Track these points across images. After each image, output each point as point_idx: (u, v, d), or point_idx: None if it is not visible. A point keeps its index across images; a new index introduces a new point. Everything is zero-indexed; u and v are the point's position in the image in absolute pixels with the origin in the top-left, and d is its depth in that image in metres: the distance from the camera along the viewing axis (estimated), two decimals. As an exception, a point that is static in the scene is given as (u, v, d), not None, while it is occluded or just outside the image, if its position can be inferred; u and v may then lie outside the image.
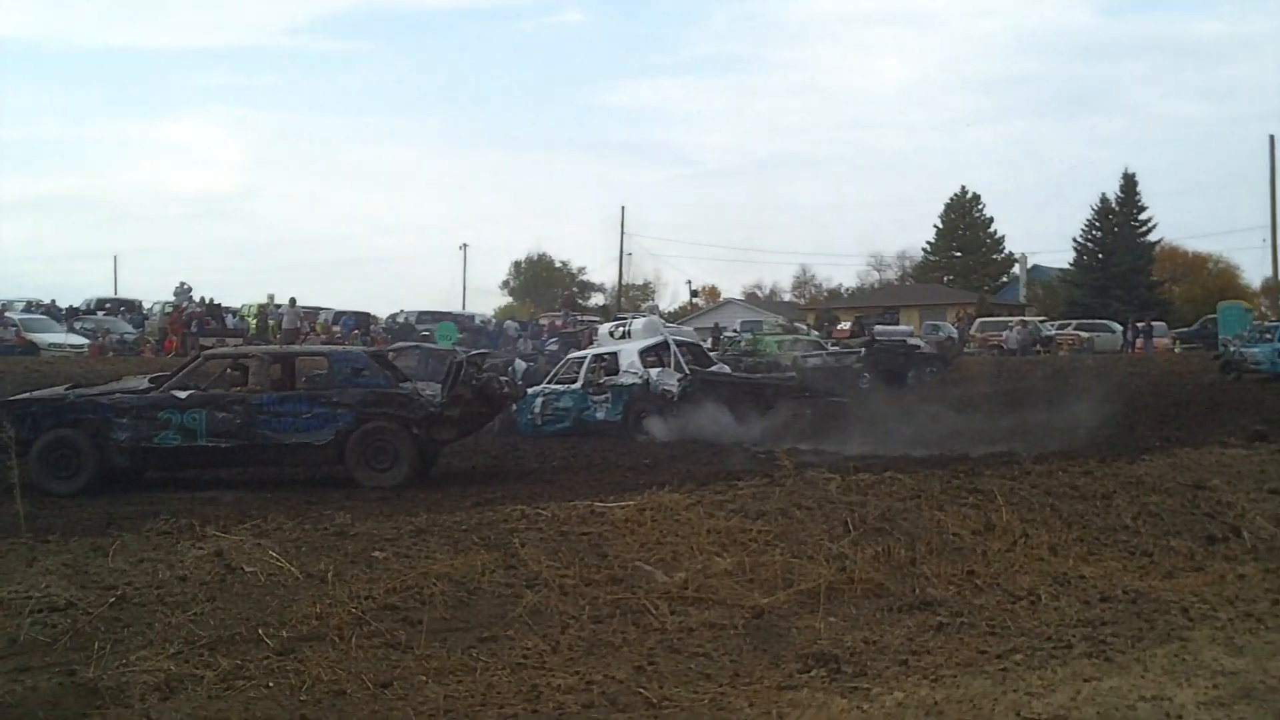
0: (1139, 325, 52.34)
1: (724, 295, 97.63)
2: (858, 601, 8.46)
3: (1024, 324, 53.94)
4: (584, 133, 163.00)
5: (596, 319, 48.55)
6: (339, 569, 8.73)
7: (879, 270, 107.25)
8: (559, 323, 55.14)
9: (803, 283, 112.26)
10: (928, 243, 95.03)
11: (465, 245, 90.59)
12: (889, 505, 10.51)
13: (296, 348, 23.64)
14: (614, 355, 22.77)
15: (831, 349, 38.70)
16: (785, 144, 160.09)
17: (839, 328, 52.68)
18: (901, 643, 7.63)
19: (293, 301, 46.09)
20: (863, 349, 38.70)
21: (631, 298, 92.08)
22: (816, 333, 49.31)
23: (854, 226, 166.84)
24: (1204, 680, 6.77)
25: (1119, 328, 54.63)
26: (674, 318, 69.78)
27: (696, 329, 47.87)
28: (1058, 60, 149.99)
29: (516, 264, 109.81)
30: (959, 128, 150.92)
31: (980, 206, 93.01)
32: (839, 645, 7.51)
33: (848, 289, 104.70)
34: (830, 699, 6.52)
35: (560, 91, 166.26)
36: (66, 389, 16.62)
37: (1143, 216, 76.91)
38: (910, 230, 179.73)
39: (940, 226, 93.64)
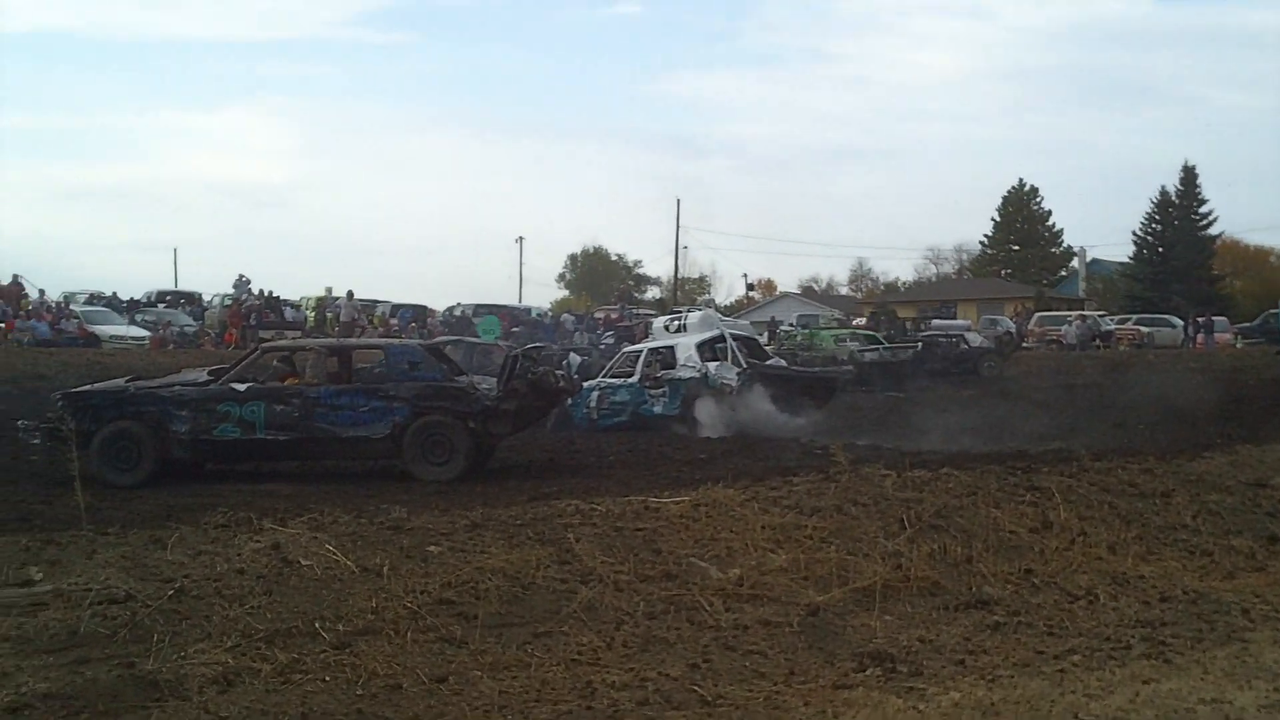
0: (1199, 320, 51.87)
1: (780, 289, 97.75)
2: (913, 600, 8.42)
3: (1083, 318, 53.47)
4: (641, 124, 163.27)
5: (652, 312, 48.50)
6: (394, 563, 8.74)
7: (936, 264, 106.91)
8: (614, 316, 55.20)
9: (859, 276, 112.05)
10: (985, 236, 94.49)
11: (521, 238, 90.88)
12: (945, 502, 10.44)
13: (353, 341, 23.77)
14: (671, 349, 22.70)
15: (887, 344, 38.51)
16: (842, 136, 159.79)
17: (855, 321, 52.35)
18: (957, 642, 7.59)
19: (350, 295, 46.31)
20: (920, 344, 38.62)
21: (687, 291, 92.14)
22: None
23: (911, 220, 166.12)
24: (1265, 683, 6.69)
25: (1179, 323, 54.08)
26: (730, 311, 69.75)
27: (752, 323, 47.85)
28: (1116, 50, 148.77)
29: (572, 257, 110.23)
30: (1016, 119, 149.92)
31: (1038, 199, 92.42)
32: (894, 644, 7.48)
33: (904, 283, 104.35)
34: (885, 698, 6.48)
35: (617, 83, 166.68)
36: (127, 381, 16.78)
37: (1203, 210, 76.34)
38: (967, 223, 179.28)
39: (998, 219, 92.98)
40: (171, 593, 7.99)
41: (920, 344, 39.43)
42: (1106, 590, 8.73)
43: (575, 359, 29.35)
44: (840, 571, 8.75)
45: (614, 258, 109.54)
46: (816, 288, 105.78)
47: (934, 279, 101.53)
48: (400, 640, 7.28)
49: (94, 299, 48.73)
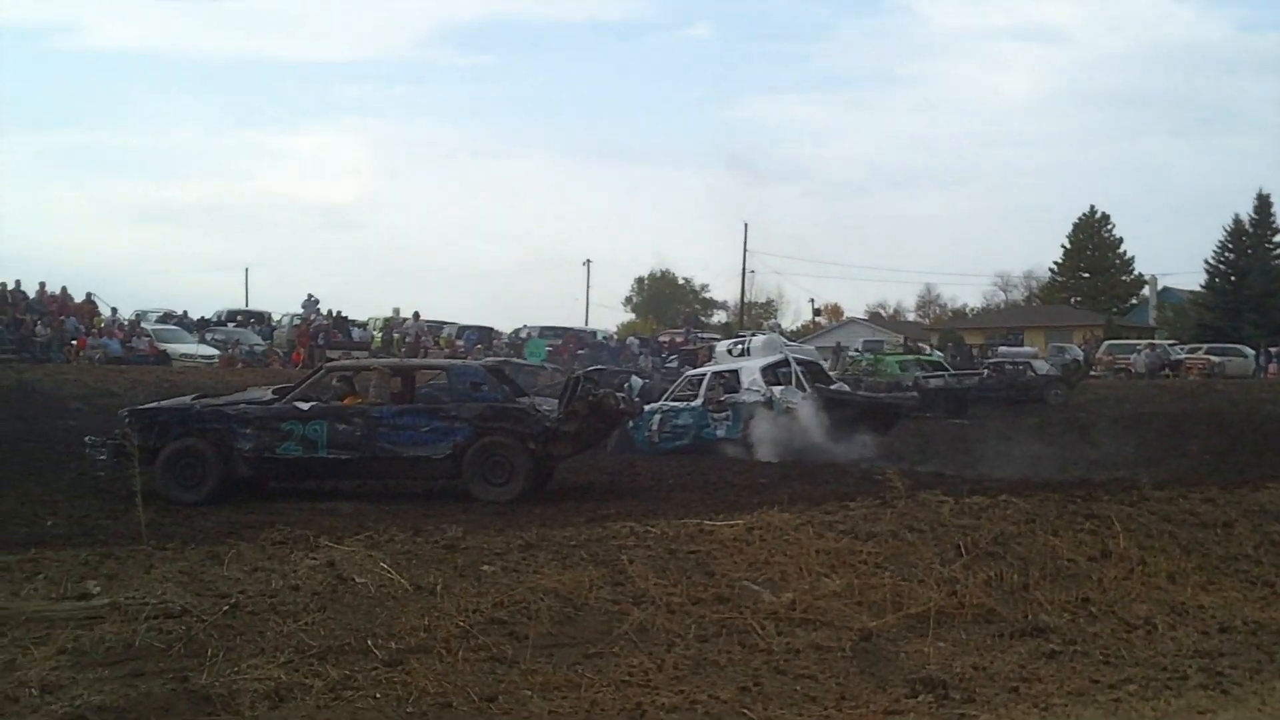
0: (1272, 350, 51.23)
1: (847, 314, 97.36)
2: (968, 626, 8.36)
3: (1152, 347, 53.01)
4: (711, 148, 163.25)
5: (718, 336, 48.50)
6: (448, 582, 8.77)
7: (1005, 290, 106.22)
8: (679, 340, 55.22)
9: (927, 302, 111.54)
10: (1055, 263, 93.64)
11: (589, 261, 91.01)
12: (1002, 529, 10.36)
13: (416, 361, 23.92)
14: (735, 373, 22.67)
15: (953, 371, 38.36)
16: (911, 160, 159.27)
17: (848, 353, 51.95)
18: (1012, 669, 7.54)
19: (416, 315, 46.62)
20: (985, 371, 38.44)
21: (754, 315, 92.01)
22: (939, 353, 48.90)
23: (980, 245, 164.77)
24: (1324, 716, 6.60)
25: (1251, 352, 53.35)
26: (796, 336, 69.62)
27: (818, 348, 47.68)
28: (1191, 76, 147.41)
29: (639, 280, 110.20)
30: (1088, 145, 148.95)
31: (1109, 226, 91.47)
32: (947, 670, 7.42)
33: (973, 309, 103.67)
34: (937, 725, 6.45)
35: (687, 106, 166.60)
36: (193, 399, 16.98)
37: (1277, 239, 75.24)
38: (1037, 250, 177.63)
39: (1068, 246, 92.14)
40: (227, 608, 8.06)
41: (986, 371, 39.24)
42: (1165, 620, 8.65)
43: (637, 382, 29.41)
44: (894, 597, 8.70)
45: (681, 281, 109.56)
46: (884, 313, 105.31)
47: (1002, 305, 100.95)
48: (451, 659, 7.30)
49: (165, 317, 49.23)
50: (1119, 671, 7.51)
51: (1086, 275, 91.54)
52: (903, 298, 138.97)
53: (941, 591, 8.81)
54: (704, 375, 23.35)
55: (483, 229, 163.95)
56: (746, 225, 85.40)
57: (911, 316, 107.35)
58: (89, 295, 45.43)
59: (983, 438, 21.95)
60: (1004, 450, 20.80)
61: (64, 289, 44.54)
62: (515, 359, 32.48)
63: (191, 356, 40.66)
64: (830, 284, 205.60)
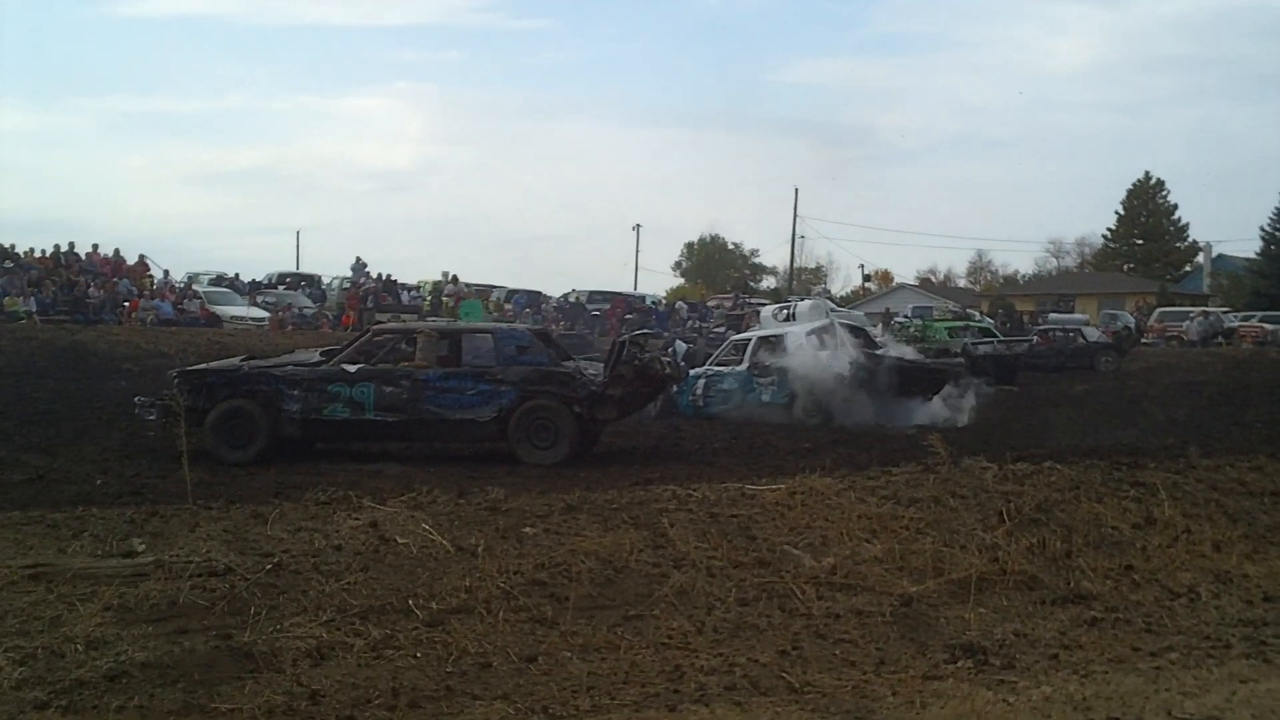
0: (1327, 319, 50.64)
1: (897, 280, 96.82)
2: (1009, 593, 8.32)
3: (1205, 315, 52.48)
4: (760, 112, 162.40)
5: (766, 301, 48.35)
6: (489, 543, 8.82)
7: (1057, 257, 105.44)
8: (729, 305, 55.11)
9: (978, 268, 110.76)
10: (1108, 229, 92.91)
11: (639, 225, 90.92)
12: (1046, 496, 10.28)
13: (462, 324, 23.95)
14: (781, 337, 22.60)
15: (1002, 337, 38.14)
16: (964, 125, 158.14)
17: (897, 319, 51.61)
18: (1052, 636, 7.50)
19: (455, 279, 46.82)
20: (1035, 338, 38.20)
21: (803, 281, 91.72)
22: (990, 320, 48.61)
23: (1032, 211, 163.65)
24: (1368, 686, 6.55)
25: (1306, 321, 52.77)
26: (846, 302, 69.51)
27: (867, 313, 47.55)
28: (1248, 41, 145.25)
29: (689, 245, 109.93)
30: (1144, 110, 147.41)
31: (1164, 193, 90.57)
32: (988, 637, 7.40)
33: (1024, 275, 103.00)
34: (975, 691, 6.43)
35: (738, 70, 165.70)
36: (241, 360, 17.08)
37: (1336, 206, 74.20)
38: (1090, 216, 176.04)
39: (1122, 213, 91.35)
40: (270, 567, 8.14)
41: (1036, 338, 39.00)
42: (1209, 588, 8.57)
43: (681, 346, 29.38)
44: (936, 563, 8.67)
45: (731, 246, 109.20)
46: (934, 279, 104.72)
47: (1054, 272, 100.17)
48: (492, 619, 7.34)
49: (217, 280, 49.50)
50: (1161, 639, 7.46)
51: (1140, 242, 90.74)
52: (953, 264, 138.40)
53: (983, 558, 8.76)
54: (749, 340, 23.28)
55: (534, 193, 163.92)
56: (797, 190, 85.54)
57: (962, 283, 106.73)
58: (141, 257, 45.76)
59: (1031, 405, 21.83)
60: (1051, 417, 20.69)
61: (117, 251, 44.95)
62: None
63: (242, 319, 40.85)
64: (880, 250, 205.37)
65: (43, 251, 42.72)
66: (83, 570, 8.07)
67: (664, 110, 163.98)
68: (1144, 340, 47.91)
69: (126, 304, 39.90)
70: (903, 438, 17.34)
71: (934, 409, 20.55)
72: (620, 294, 56.90)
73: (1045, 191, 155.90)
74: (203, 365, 17.24)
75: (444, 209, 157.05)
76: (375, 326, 17.43)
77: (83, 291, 39.61)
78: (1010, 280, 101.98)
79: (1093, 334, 40.48)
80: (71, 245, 43.18)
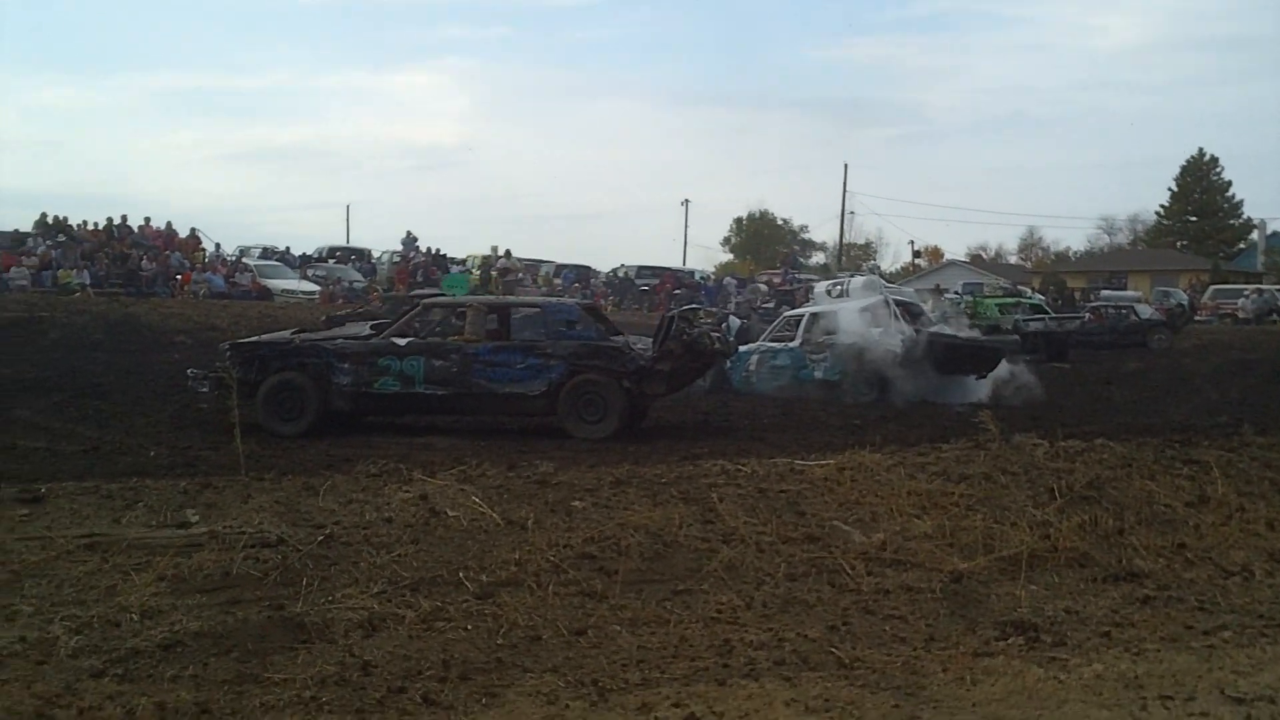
0: (1383, 296, 50.07)
1: (947, 256, 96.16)
2: (1060, 570, 8.27)
3: (1259, 292, 51.98)
4: (810, 89, 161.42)
5: (815, 278, 48.15)
6: (539, 517, 8.85)
7: (1109, 234, 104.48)
8: (777, 281, 54.95)
9: (1029, 245, 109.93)
10: (1161, 206, 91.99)
11: (687, 201, 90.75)
12: (1098, 473, 10.23)
13: (512, 298, 24.02)
14: (833, 314, 22.52)
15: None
16: (1014, 102, 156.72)
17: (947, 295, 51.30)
18: (1104, 614, 7.45)
19: (508, 253, 46.90)
20: (1087, 315, 37.92)
21: (853, 257, 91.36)
22: (1041, 297, 48.27)
23: (1084, 188, 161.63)
24: None
25: (1361, 297, 52.18)
26: (895, 278, 69.10)
27: (917, 290, 47.26)
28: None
29: (738, 221, 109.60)
30: (1199, 88, 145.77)
31: (1218, 170, 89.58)
32: (1039, 614, 7.36)
33: (1076, 252, 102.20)
34: (1026, 668, 6.40)
35: (787, 47, 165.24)
36: (292, 333, 17.16)
37: (1392, 182, 73.33)
38: (1143, 193, 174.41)
39: (1175, 190, 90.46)
40: (321, 539, 8.19)
41: (1087, 315, 38.72)
42: (1263, 567, 8.49)
43: (734, 322, 29.30)
44: (986, 539, 8.63)
45: (780, 222, 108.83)
46: (985, 256, 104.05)
47: (1106, 249, 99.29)
48: (541, 592, 7.36)
49: (267, 253, 49.77)
50: (1214, 618, 7.40)
51: (1193, 219, 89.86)
52: (1004, 240, 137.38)
53: (1034, 535, 8.71)
54: (802, 316, 23.21)
55: (583, 170, 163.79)
56: (846, 166, 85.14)
57: (1013, 259, 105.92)
58: (193, 231, 46.09)
59: (1082, 382, 21.68)
60: (1103, 394, 20.56)
61: (169, 224, 45.33)
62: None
63: (293, 292, 41.08)
64: (931, 226, 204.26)
65: (96, 225, 43.07)
66: (137, 540, 8.15)
67: (712, 87, 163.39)
68: (1197, 318, 47.52)
69: (179, 277, 40.21)
70: (953, 414, 17.29)
71: (986, 386, 20.45)
72: (668, 269, 56.83)
73: (1097, 168, 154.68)
74: (254, 338, 17.33)
75: (492, 185, 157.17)
76: (425, 300, 17.44)
77: (135, 264, 39.91)
78: (1062, 257, 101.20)
79: (1145, 311, 40.19)
80: (124, 219, 43.58)
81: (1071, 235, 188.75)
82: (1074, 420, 15.70)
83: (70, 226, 42.53)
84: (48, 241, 40.02)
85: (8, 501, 9.29)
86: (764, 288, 53.47)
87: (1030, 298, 44.45)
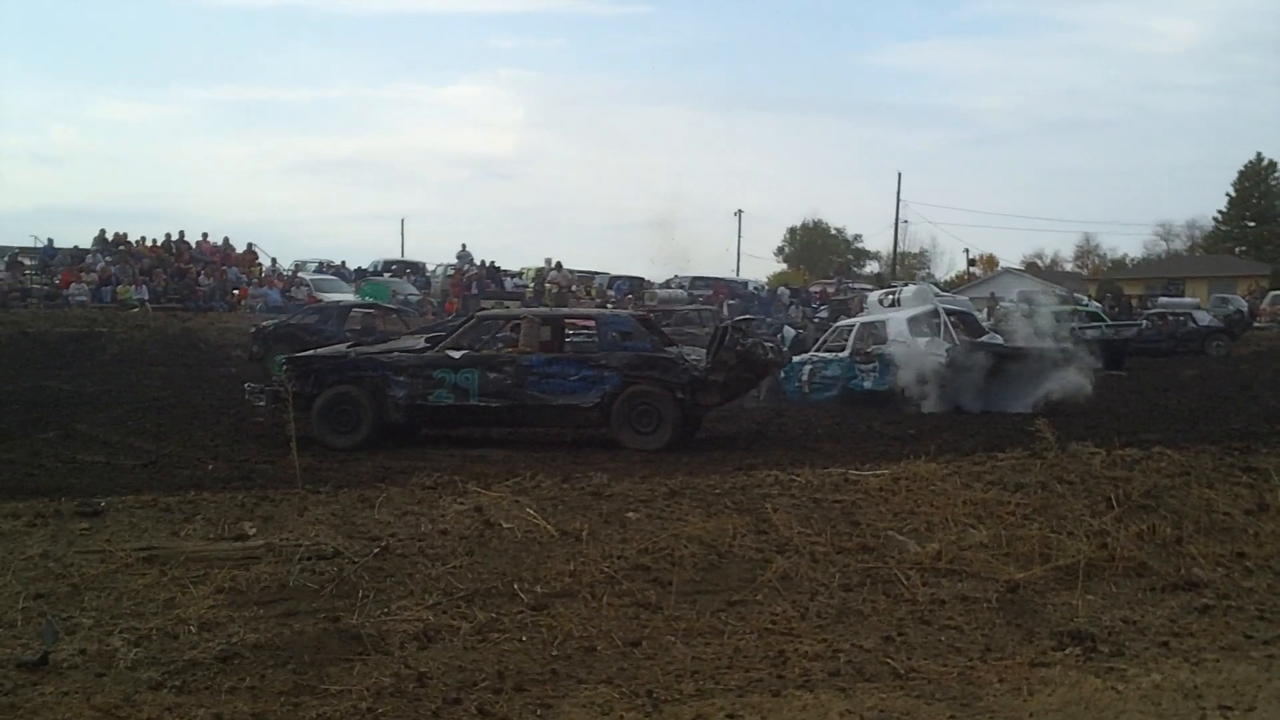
0: None
1: (1002, 264, 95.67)
2: (1118, 580, 8.19)
3: (1320, 298, 51.37)
4: (862, 96, 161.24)
5: (869, 287, 48.03)
6: (593, 528, 8.85)
7: (1166, 240, 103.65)
8: (830, 290, 54.83)
9: (1085, 252, 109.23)
10: (1219, 212, 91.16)
11: (740, 211, 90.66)
12: (1155, 482, 10.12)
13: (565, 310, 24.12)
14: (883, 323, 22.46)
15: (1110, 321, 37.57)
16: (1069, 107, 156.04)
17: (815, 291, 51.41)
18: (1162, 624, 7.37)
19: (559, 265, 47.01)
20: (1145, 322, 37.63)
21: (907, 266, 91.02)
22: (1097, 304, 47.94)
23: (1140, 194, 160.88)
24: None
25: None
26: (950, 286, 68.71)
27: (972, 298, 47.06)
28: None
29: (791, 230, 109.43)
30: (1256, 91, 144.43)
31: (1276, 174, 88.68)
32: (1096, 624, 7.29)
33: (1132, 259, 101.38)
34: (1084, 678, 6.35)
35: (838, 53, 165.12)
36: (348, 347, 17.27)
37: None
38: (1200, 198, 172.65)
39: (1233, 195, 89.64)
40: (377, 551, 8.22)
41: (1145, 322, 38.43)
42: (1324, 576, 8.40)
43: (789, 332, 29.27)
44: (1042, 549, 8.55)
45: (833, 231, 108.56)
46: (1040, 263, 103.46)
47: (1163, 255, 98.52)
48: (596, 604, 7.37)
49: (323, 267, 50.14)
50: (1274, 627, 7.31)
51: (1252, 224, 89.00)
52: (1060, 248, 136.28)
53: (1091, 544, 8.63)
54: (853, 326, 23.17)
55: (636, 180, 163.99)
56: (900, 174, 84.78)
57: (1069, 267, 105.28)
58: (250, 246, 46.54)
59: (1140, 390, 21.51)
60: (1161, 402, 20.38)
61: (226, 240, 45.74)
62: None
63: (405, 306, 41.30)
64: (985, 234, 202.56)
65: (154, 240, 43.54)
66: (195, 553, 8.21)
67: (764, 95, 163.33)
68: (1256, 324, 46.95)
69: (235, 291, 40.58)
70: (1008, 423, 17.17)
71: (1040, 394, 20.29)
72: (722, 280, 56.77)
73: (1154, 174, 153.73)
74: (311, 352, 17.45)
75: (545, 196, 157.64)
76: (479, 312, 17.54)
77: (193, 279, 40.30)
78: (1118, 264, 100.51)
79: (1203, 318, 39.81)
80: (182, 234, 44.05)
81: (1128, 242, 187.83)
82: (1131, 428, 15.58)
83: (129, 242, 43.00)
84: (107, 257, 40.49)
85: (68, 515, 9.37)
86: (830, 289, 53.52)
87: (1086, 305, 44.18)
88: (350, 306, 29.81)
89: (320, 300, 39.33)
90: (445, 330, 17.80)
